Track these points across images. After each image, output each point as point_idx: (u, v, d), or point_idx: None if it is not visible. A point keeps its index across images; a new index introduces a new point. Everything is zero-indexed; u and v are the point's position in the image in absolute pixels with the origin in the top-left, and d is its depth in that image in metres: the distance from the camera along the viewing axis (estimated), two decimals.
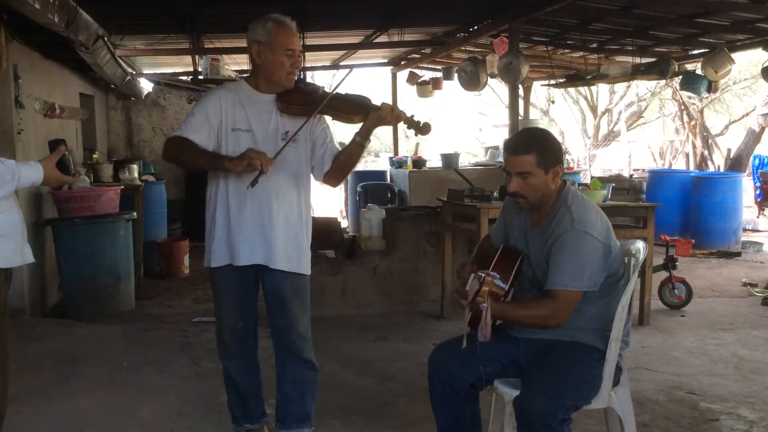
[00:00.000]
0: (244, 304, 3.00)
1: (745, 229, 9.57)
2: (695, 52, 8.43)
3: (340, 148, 2.99)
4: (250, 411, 3.13)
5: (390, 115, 2.81)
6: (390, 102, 2.92)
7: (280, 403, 3.06)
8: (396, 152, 11.57)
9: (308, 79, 11.24)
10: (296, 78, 2.94)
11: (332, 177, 2.98)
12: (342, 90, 2.89)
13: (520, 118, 8.08)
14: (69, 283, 5.61)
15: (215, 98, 2.87)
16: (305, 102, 2.87)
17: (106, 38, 5.62)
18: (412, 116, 2.87)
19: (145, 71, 9.25)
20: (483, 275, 2.47)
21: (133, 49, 7.77)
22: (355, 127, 2.91)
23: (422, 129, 2.86)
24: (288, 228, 2.90)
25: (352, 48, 9.11)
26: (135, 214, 6.03)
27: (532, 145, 2.56)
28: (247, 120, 2.85)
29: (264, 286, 2.97)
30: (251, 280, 2.98)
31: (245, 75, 3.10)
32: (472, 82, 8.39)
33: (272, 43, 2.82)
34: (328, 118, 2.99)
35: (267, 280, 2.94)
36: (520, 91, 9.38)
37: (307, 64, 9.34)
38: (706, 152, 15.35)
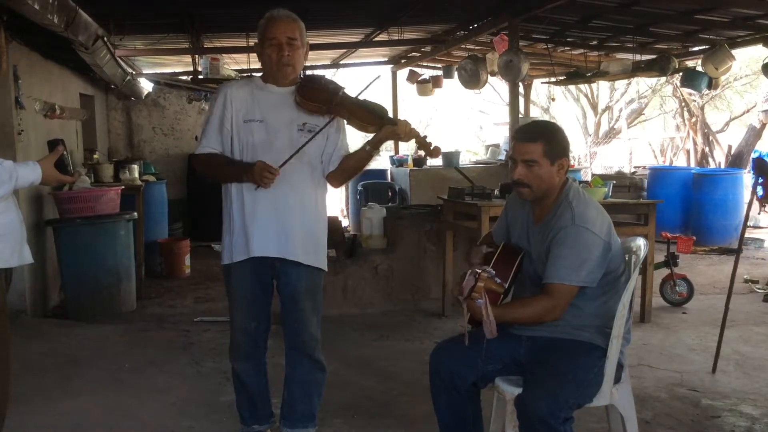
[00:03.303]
0: (258, 304, 2.98)
1: None
2: (695, 48, 8.42)
3: (349, 151, 2.97)
4: (258, 412, 3.12)
5: (404, 131, 2.81)
6: (405, 119, 2.88)
7: (286, 401, 3.06)
8: (396, 151, 11.56)
9: None
10: (317, 75, 2.92)
11: (335, 178, 2.99)
12: (358, 94, 2.87)
13: (520, 115, 8.08)
14: (70, 283, 5.61)
15: (222, 97, 2.90)
16: (323, 100, 2.84)
17: (105, 38, 5.62)
18: (426, 137, 2.86)
19: (144, 71, 9.25)
20: (479, 271, 2.47)
21: (133, 49, 7.77)
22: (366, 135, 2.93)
23: (432, 151, 2.87)
24: (304, 219, 2.90)
25: (352, 47, 9.11)
26: (136, 214, 6.03)
27: (540, 134, 2.57)
28: (259, 110, 2.86)
29: (279, 284, 2.96)
30: (267, 280, 2.96)
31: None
32: (473, 80, 8.39)
33: (262, 38, 2.85)
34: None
35: (282, 277, 2.93)
36: (521, 89, 9.38)
37: (307, 63, 9.33)
38: (706, 149, 15.33)
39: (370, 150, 2.88)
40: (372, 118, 2.84)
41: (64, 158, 2.67)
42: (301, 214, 2.89)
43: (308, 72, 9.63)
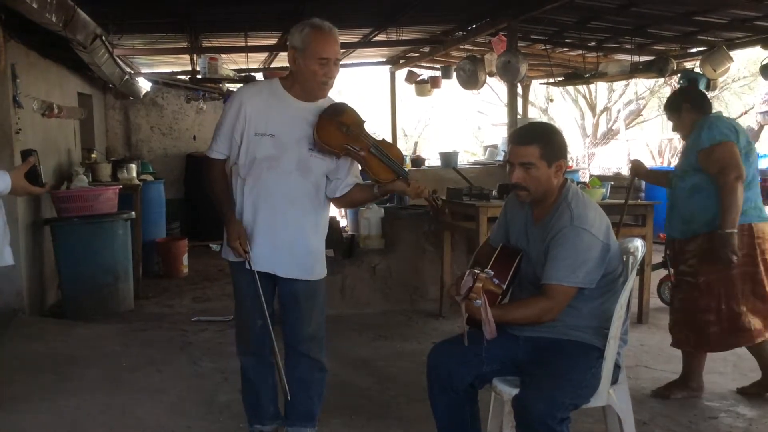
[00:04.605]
0: (262, 302, 2.96)
1: None
2: (694, 50, 8.43)
3: (358, 180, 2.98)
4: (262, 411, 3.12)
5: (415, 192, 2.82)
6: (418, 181, 2.85)
7: (286, 401, 3.07)
8: None
9: None
10: (343, 104, 2.87)
11: (339, 202, 3.04)
12: (378, 136, 2.91)
13: (518, 116, 8.08)
14: (68, 282, 5.60)
15: (237, 105, 2.84)
16: (339, 147, 2.80)
17: (104, 38, 5.61)
18: (435, 193, 2.85)
19: (143, 70, 9.24)
20: (477, 272, 2.47)
21: (131, 48, 7.76)
22: None
23: (440, 211, 2.90)
24: (301, 236, 2.89)
25: (350, 47, 9.09)
26: (133, 213, 6.03)
27: (536, 136, 2.57)
28: (272, 124, 2.81)
29: (278, 286, 2.98)
30: (269, 282, 2.96)
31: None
32: (471, 80, 8.38)
33: (306, 49, 2.74)
34: None
35: (280, 282, 2.95)
36: (519, 90, 9.37)
37: None
38: None
39: (378, 194, 2.90)
40: (385, 172, 2.82)
41: (35, 169, 2.61)
42: (298, 232, 2.89)
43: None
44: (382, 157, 2.81)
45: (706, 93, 4.04)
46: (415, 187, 2.80)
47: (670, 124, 4.09)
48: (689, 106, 3.77)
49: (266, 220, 2.85)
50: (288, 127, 2.82)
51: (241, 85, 6.63)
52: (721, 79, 9.28)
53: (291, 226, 2.86)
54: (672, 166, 15.85)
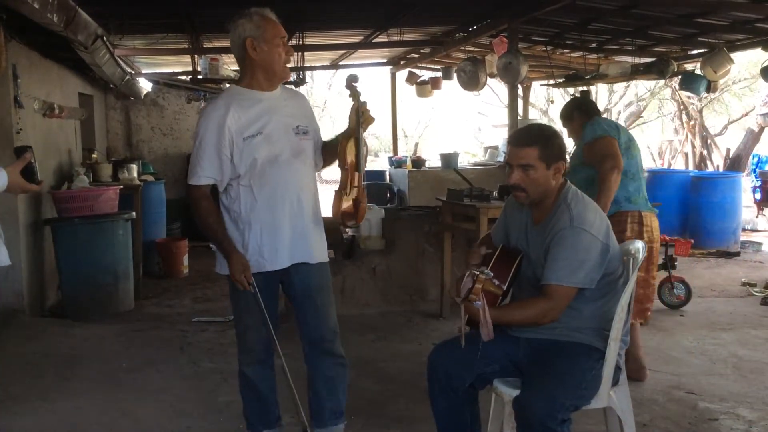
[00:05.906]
0: (270, 309, 2.94)
1: (744, 229, 9.58)
2: (694, 51, 8.42)
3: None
4: (269, 416, 3.09)
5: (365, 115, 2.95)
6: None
7: (313, 402, 3.03)
8: (395, 152, 11.57)
9: (307, 78, 11.23)
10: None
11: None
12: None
13: (519, 117, 8.08)
14: (68, 283, 5.60)
15: (213, 122, 2.75)
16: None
17: (105, 38, 5.62)
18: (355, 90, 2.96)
19: (144, 71, 9.24)
20: (477, 273, 2.47)
21: (132, 48, 7.76)
22: None
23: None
24: (315, 219, 2.95)
25: (351, 48, 9.12)
26: (134, 213, 6.02)
27: (535, 138, 2.57)
28: (255, 124, 2.79)
29: (291, 285, 2.93)
30: (276, 284, 2.94)
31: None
32: (472, 82, 8.39)
33: (264, 34, 2.75)
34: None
35: (295, 277, 2.90)
36: (520, 91, 9.37)
37: (306, 64, 9.34)
38: (705, 152, 15.36)
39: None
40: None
41: (31, 166, 2.56)
42: (314, 216, 2.94)
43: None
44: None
45: (594, 101, 4.36)
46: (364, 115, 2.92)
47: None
48: (579, 113, 4.17)
49: (287, 213, 2.83)
50: (271, 121, 2.82)
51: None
52: (721, 81, 9.26)
53: (305, 210, 2.89)
54: (672, 167, 15.88)
